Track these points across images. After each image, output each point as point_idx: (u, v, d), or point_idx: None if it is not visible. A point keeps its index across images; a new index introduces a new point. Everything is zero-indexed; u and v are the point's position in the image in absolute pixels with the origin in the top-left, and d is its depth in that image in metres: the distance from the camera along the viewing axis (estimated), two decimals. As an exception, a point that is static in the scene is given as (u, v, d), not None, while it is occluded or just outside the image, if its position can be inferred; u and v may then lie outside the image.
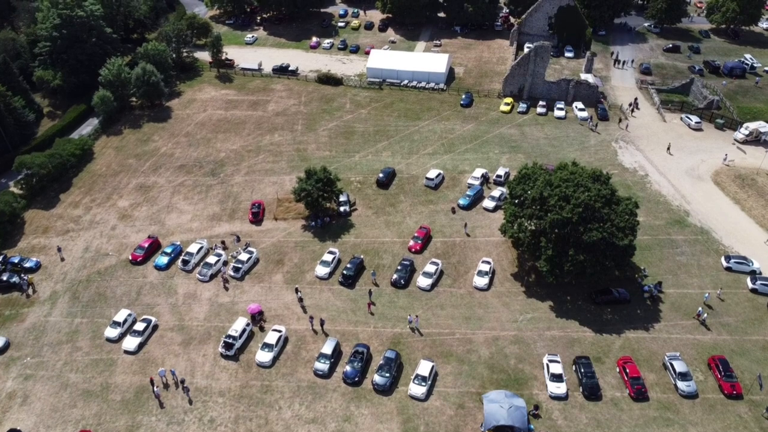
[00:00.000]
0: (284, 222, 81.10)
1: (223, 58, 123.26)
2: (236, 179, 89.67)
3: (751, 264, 72.20)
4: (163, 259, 73.23)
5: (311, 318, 64.80)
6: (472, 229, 79.39)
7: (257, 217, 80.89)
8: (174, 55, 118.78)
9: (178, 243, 75.96)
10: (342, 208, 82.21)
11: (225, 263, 73.33)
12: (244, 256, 73.06)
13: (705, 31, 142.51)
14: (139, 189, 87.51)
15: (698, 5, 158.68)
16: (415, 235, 77.15)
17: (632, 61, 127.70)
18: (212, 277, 71.47)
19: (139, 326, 63.74)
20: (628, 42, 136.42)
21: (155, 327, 65.04)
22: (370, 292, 69.74)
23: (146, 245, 74.79)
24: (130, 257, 73.93)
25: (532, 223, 68.27)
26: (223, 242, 76.70)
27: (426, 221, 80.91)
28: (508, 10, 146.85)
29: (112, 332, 63.70)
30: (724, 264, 72.78)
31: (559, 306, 68.15)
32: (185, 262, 72.64)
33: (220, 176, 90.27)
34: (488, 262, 72.53)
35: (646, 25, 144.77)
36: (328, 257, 73.17)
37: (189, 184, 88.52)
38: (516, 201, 71.05)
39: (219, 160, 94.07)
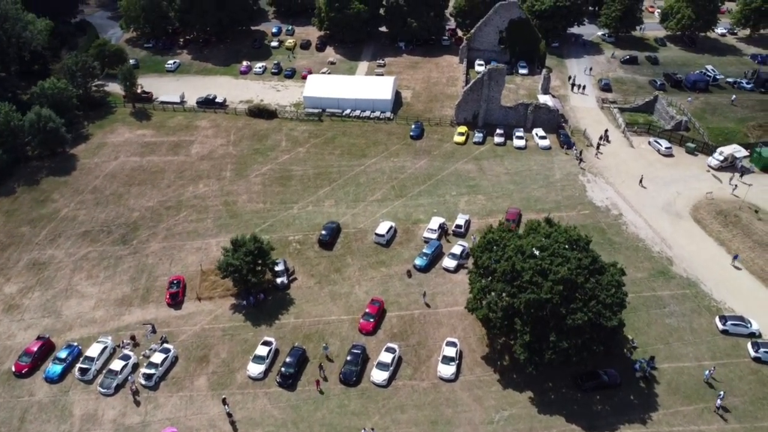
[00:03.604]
0: (209, 302, 67.90)
1: (139, 91, 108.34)
2: (152, 246, 75.70)
3: (749, 325, 63.40)
4: (57, 368, 58.93)
5: None
6: (432, 297, 68.13)
7: (176, 299, 67.34)
8: (80, 92, 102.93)
9: (76, 344, 61.72)
10: (279, 280, 69.58)
11: (135, 367, 59.65)
12: (158, 357, 59.58)
13: (661, 38, 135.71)
14: (31, 267, 72.48)
15: (650, 10, 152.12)
16: (367, 311, 65.24)
17: (590, 69, 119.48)
18: (118, 388, 57.67)
19: (19, 474, 49.84)
20: (583, 54, 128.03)
21: (41, 470, 51.20)
22: (320, 367, 59.21)
23: (35, 349, 60.35)
24: (14, 368, 59.29)
25: (503, 299, 57.24)
26: (132, 337, 62.92)
27: (378, 290, 69.20)
28: (455, 23, 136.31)
29: (-18, 485, 49.61)
30: (720, 326, 63.72)
31: (541, 396, 57.54)
32: (84, 371, 58.51)
33: (133, 244, 76.07)
34: (454, 344, 61.28)
35: (599, 34, 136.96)
36: (262, 350, 60.42)
37: (94, 257, 74.05)
38: (482, 271, 60.11)
39: (131, 222, 79.73)
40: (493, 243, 60.02)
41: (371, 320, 64.23)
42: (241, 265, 64.73)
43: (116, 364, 58.82)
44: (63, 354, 60.16)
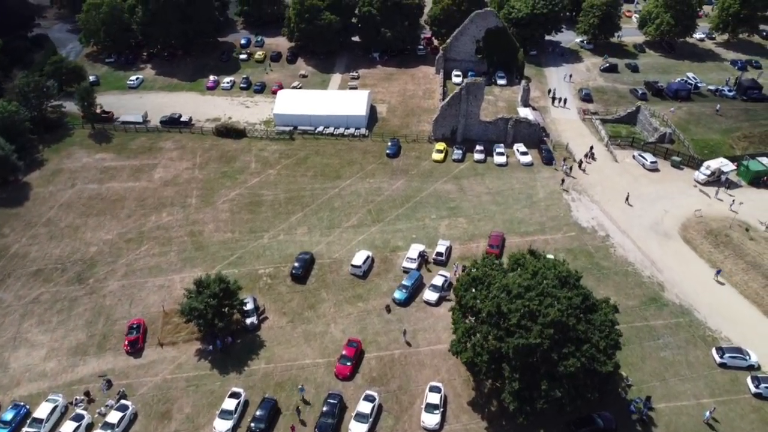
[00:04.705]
0: (172, 347, 62.65)
1: (99, 110, 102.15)
2: (110, 285, 70.11)
3: (748, 357, 60.11)
4: (1, 432, 53.59)
5: None
6: (413, 335, 63.74)
7: (136, 346, 61.90)
8: (34, 113, 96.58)
9: (23, 404, 56.07)
10: (248, 320, 64.56)
11: (89, 428, 54.23)
12: (114, 416, 54.22)
13: (639, 44, 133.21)
14: (-24, 314, 66.64)
15: (627, 14, 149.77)
16: (343, 353, 60.59)
17: (570, 76, 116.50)
18: (70, 454, 52.45)
19: None
20: (561, 63, 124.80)
21: None
22: (297, 410, 55.28)
23: (-23, 411, 54.85)
24: (-47, 434, 53.79)
25: (489, 342, 52.98)
26: (87, 393, 57.43)
27: (355, 327, 64.62)
28: (430, 32, 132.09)
29: None
30: (717, 359, 60.35)
31: (532, 446, 53.58)
32: (31, 436, 53.19)
33: (89, 283, 70.43)
34: (437, 389, 56.91)
35: (578, 41, 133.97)
36: (230, 404, 55.39)
37: (46, 300, 68.26)
38: (466, 311, 55.84)
39: (88, 258, 74.00)
40: (477, 280, 55.78)
41: (348, 364, 59.60)
42: (205, 309, 59.58)
43: (68, 426, 53.38)
44: (8, 416, 54.52)
